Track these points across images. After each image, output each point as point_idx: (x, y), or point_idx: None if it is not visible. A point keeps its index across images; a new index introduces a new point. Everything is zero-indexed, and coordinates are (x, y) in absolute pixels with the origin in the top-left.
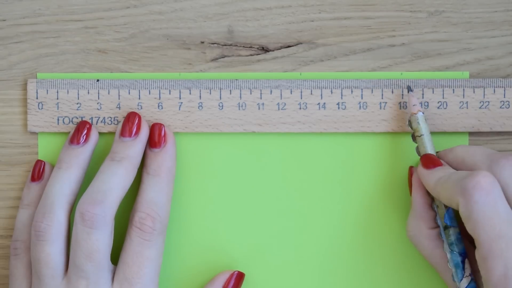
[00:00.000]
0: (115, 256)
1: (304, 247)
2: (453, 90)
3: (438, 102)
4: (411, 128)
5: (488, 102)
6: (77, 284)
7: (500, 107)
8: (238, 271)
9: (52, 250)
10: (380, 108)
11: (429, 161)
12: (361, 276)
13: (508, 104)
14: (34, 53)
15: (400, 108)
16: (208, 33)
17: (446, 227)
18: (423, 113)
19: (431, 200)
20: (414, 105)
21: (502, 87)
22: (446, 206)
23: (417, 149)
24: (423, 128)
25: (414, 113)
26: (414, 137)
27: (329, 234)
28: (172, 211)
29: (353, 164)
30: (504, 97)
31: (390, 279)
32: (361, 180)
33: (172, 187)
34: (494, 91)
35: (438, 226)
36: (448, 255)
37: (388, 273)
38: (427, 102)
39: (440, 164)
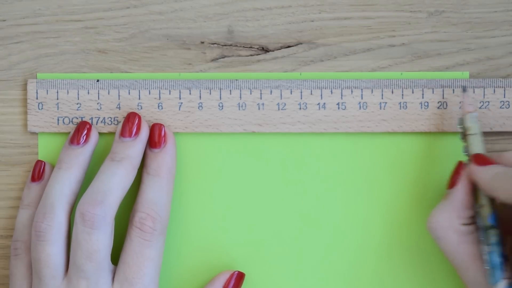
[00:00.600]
0: (115, 256)
1: (304, 247)
2: (453, 90)
3: (438, 102)
4: (463, 127)
5: (488, 102)
6: (78, 284)
7: (500, 107)
8: (238, 271)
9: (52, 250)
10: (380, 108)
11: (483, 159)
12: (360, 275)
13: (508, 104)
14: (34, 53)
15: (400, 108)
16: (208, 33)
17: (488, 228)
18: (477, 113)
19: (473, 199)
20: (470, 104)
21: (502, 87)
22: (492, 207)
23: (466, 148)
24: (476, 127)
25: (470, 112)
26: (464, 136)
27: (329, 234)
28: (172, 211)
29: (353, 164)
30: (504, 97)
31: (391, 278)
32: (361, 180)
33: (172, 187)
34: (494, 91)
35: (471, 224)
36: (487, 256)
37: (388, 272)
38: (427, 102)
39: (494, 162)
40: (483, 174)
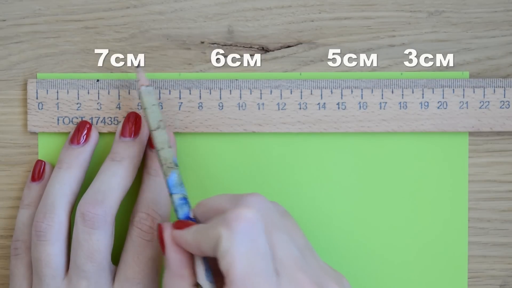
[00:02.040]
0: (116, 256)
1: None
2: (453, 90)
3: (438, 102)
4: (141, 103)
5: (488, 102)
6: (78, 284)
7: (500, 107)
8: None
9: (53, 250)
10: (380, 108)
11: (182, 223)
12: (359, 275)
13: (508, 104)
14: (34, 53)
15: (400, 108)
16: (208, 33)
17: (206, 285)
18: (147, 86)
19: (188, 257)
20: (138, 81)
21: (502, 87)
22: (205, 264)
23: (147, 122)
24: (146, 102)
25: (138, 89)
26: (143, 110)
27: (329, 233)
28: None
29: (352, 164)
30: (504, 97)
31: (391, 278)
32: (361, 180)
33: None
34: (494, 91)
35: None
36: None
37: (389, 272)
38: (427, 102)
39: (193, 224)
40: (184, 237)
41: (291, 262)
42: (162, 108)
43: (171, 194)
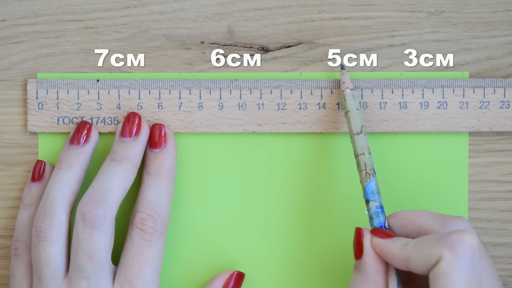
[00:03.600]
0: (116, 257)
1: (304, 247)
2: (453, 90)
3: (438, 102)
4: (343, 105)
5: (488, 102)
6: (78, 284)
7: (500, 107)
8: (238, 271)
9: (53, 251)
10: (380, 108)
11: (383, 233)
12: None
13: (508, 104)
14: (34, 53)
15: (400, 108)
16: (208, 33)
17: None
18: (351, 90)
19: (385, 267)
20: (343, 83)
21: (502, 87)
22: (398, 276)
23: (348, 125)
24: (350, 105)
25: (343, 91)
26: (345, 114)
27: (329, 234)
28: (173, 211)
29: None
30: (504, 97)
31: None
32: None
33: (172, 187)
34: (494, 91)
35: None
36: None
37: None
38: (427, 102)
39: (394, 235)
40: (390, 248)
41: None
42: (162, 108)
43: (367, 201)
